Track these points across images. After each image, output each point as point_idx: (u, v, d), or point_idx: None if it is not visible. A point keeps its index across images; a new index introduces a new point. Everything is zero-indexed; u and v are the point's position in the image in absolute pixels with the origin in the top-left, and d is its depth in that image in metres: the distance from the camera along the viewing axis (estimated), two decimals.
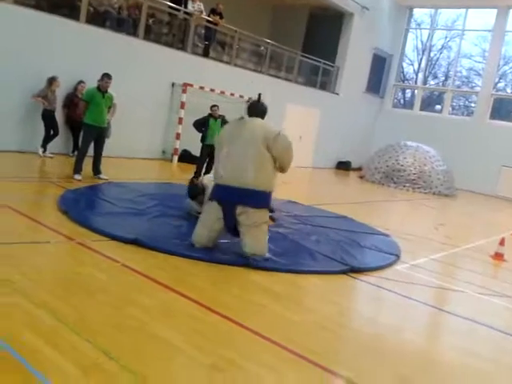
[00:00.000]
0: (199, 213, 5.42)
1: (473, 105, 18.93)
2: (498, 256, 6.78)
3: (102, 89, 7.57)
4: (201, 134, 9.47)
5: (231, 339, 3.17)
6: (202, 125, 9.46)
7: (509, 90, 18.77)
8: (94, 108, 7.48)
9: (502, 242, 6.85)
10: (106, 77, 7.57)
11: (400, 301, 4.60)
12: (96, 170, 7.83)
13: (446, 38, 20.03)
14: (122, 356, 2.68)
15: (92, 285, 3.70)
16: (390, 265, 5.50)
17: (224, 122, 9.48)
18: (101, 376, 2.50)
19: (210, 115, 9.39)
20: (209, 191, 5.31)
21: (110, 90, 7.72)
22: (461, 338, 3.88)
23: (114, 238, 4.79)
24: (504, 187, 16.61)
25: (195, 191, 6.01)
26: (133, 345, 2.87)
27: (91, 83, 8.39)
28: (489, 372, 3.30)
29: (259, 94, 6.23)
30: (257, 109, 5.26)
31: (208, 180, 5.97)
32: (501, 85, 19.13)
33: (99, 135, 7.69)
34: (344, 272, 4.94)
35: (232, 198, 4.72)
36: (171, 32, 12.62)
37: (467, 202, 14.09)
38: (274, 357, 3.01)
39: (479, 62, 19.20)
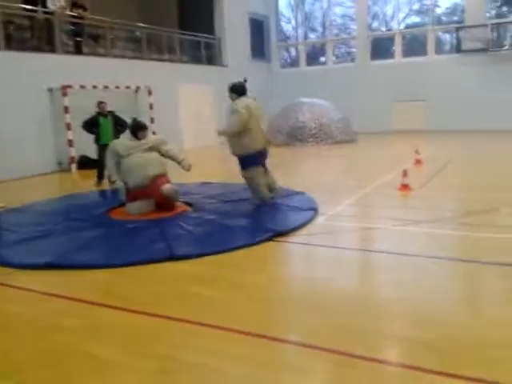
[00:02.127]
0: (113, 181, 6.31)
1: (354, 50, 19.68)
2: (404, 187, 7.19)
3: None
4: (93, 135, 9.01)
5: (169, 337, 3.08)
6: (91, 125, 8.99)
7: (383, 29, 19.69)
8: None
9: (405, 174, 7.26)
10: None
11: (327, 252, 4.74)
12: None
13: None
14: None
15: (8, 322, 3.42)
16: (310, 220, 5.63)
17: (114, 117, 9.09)
18: None
19: (99, 113, 8.94)
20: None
21: None
22: (392, 273, 4.05)
23: (24, 266, 4.45)
24: (397, 121, 17.64)
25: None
26: (67, 372, 2.69)
27: None
28: (424, 298, 3.48)
29: (245, 79, 6.85)
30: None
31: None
32: (375, 25, 20.01)
33: None
34: (269, 239, 4.98)
35: (264, 159, 6.53)
36: (35, 35, 11.73)
37: (368, 144, 14.78)
38: (217, 342, 2.96)
39: (351, 8, 19.88)
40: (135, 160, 6.12)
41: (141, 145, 6.26)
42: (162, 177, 6.22)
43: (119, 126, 9.09)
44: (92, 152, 9.55)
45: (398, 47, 18.34)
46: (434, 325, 3.06)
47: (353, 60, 19.54)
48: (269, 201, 6.45)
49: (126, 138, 6.57)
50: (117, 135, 9.03)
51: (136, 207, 6.16)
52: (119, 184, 6.26)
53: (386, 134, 16.94)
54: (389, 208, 6.44)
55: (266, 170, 6.57)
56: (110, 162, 6.33)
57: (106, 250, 4.88)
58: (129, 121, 8.27)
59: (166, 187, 6.04)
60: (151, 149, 6.30)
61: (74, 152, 11.11)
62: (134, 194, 6.17)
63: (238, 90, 6.50)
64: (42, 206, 7.00)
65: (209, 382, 2.56)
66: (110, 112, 9.06)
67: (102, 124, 8.93)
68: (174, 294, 3.79)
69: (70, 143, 11.04)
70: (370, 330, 3.03)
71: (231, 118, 6.26)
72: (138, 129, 6.35)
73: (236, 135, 6.24)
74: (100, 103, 9.01)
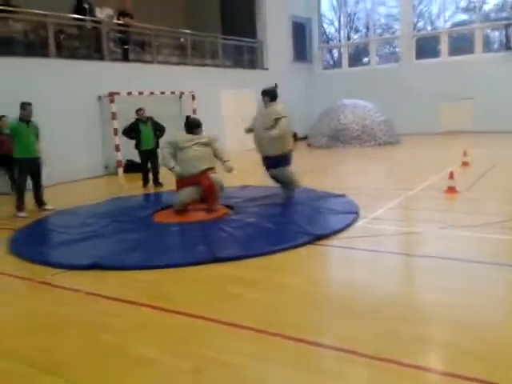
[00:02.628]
0: (171, 168, 6.54)
1: (398, 49, 19.33)
2: (450, 189, 7.01)
3: (25, 118, 7.26)
4: (134, 141, 9.31)
5: (208, 337, 3.14)
6: (131, 131, 9.30)
7: (429, 28, 19.24)
8: (21, 140, 7.19)
9: (451, 176, 7.08)
10: (27, 105, 7.26)
11: (368, 256, 4.69)
12: (40, 202, 7.55)
13: None
14: None
15: (59, 321, 3.58)
16: (351, 224, 5.59)
17: (154, 122, 9.38)
18: None
19: (138, 119, 9.23)
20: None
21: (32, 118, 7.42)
22: (434, 278, 3.98)
23: (72, 267, 4.65)
24: (443, 122, 17.16)
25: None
26: (113, 371, 2.80)
27: (14, 115, 8.00)
28: (465, 303, 3.41)
29: (276, 84, 7.48)
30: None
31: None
32: (420, 24, 19.59)
33: (33, 167, 7.39)
34: (309, 242, 4.98)
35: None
36: (84, 44, 12.18)
37: (412, 145, 14.47)
38: (254, 344, 3.00)
39: (395, 7, 19.54)
40: (192, 152, 6.55)
41: (197, 139, 6.68)
42: (211, 170, 6.68)
43: (158, 130, 9.41)
44: (137, 156, 9.83)
45: (444, 46, 17.84)
46: (476, 331, 2.98)
47: (397, 60, 19.17)
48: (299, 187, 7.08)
49: (183, 133, 6.96)
50: (157, 140, 9.32)
51: (186, 192, 6.54)
52: (177, 169, 6.61)
53: (432, 136, 16.51)
54: (433, 211, 6.29)
55: None
56: (166, 150, 6.70)
57: (150, 251, 5.01)
58: (165, 125, 9.18)
59: (215, 176, 6.61)
60: (205, 144, 6.70)
61: (120, 156, 11.45)
62: (185, 182, 6.57)
63: (270, 94, 6.89)
64: (90, 209, 7.26)
65: (246, 382, 2.60)
66: (149, 118, 9.32)
67: (143, 130, 9.22)
68: (214, 295, 3.86)
69: (117, 148, 11.40)
70: (410, 334, 2.99)
71: (283, 120, 6.66)
72: (194, 126, 6.82)
73: (277, 137, 6.59)
74: (139, 110, 9.30)
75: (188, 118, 7.17)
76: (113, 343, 3.13)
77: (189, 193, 6.55)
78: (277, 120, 6.63)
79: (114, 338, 3.20)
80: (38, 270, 4.68)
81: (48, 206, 7.53)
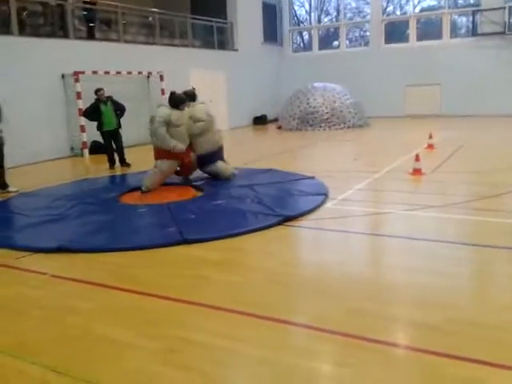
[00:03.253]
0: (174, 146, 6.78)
1: (368, 33, 19.40)
2: (416, 171, 7.14)
3: None
4: (96, 123, 9.11)
5: (179, 318, 3.13)
6: (93, 113, 9.09)
7: (398, 13, 19.35)
8: None
9: (417, 158, 7.21)
10: None
11: (337, 237, 4.75)
12: (2, 184, 7.32)
13: None
14: (71, 368, 2.57)
15: (24, 304, 3.49)
16: (320, 205, 5.63)
17: (113, 102, 9.16)
18: None
19: (98, 100, 9.00)
20: None
21: None
22: (401, 257, 4.07)
23: (37, 250, 4.53)
24: (410, 105, 17.43)
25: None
26: (81, 353, 2.76)
27: None
28: (432, 283, 3.48)
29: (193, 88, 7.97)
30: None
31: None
32: (390, 9, 19.68)
33: None
34: (279, 223, 5.00)
35: None
36: (48, 22, 11.75)
37: (380, 128, 14.65)
38: (225, 324, 3.01)
39: None
40: (184, 129, 6.91)
41: (184, 116, 6.95)
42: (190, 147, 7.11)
43: (118, 110, 9.20)
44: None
45: (412, 31, 18.03)
46: (442, 309, 3.06)
47: (366, 44, 19.28)
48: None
49: (166, 108, 7.06)
50: (118, 119, 9.18)
51: (168, 164, 6.91)
52: (180, 146, 6.83)
53: (400, 119, 16.76)
54: (400, 192, 6.41)
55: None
56: (163, 130, 6.81)
57: (117, 233, 4.94)
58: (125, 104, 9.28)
59: (192, 154, 7.12)
60: (191, 118, 6.99)
61: (85, 137, 11.18)
62: (166, 154, 6.86)
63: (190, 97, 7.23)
64: (55, 191, 7.08)
65: (217, 362, 2.60)
66: (108, 97, 9.10)
67: (104, 111, 9.02)
68: (184, 276, 3.84)
69: (82, 129, 11.10)
70: (379, 313, 3.04)
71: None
72: (180, 102, 6.99)
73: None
74: (98, 90, 9.05)
75: (173, 94, 7.14)
76: (80, 325, 3.08)
77: (171, 165, 6.92)
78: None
79: (82, 321, 3.15)
80: (2, 254, 4.55)
81: (11, 188, 7.31)
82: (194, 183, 7.06)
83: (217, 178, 7.17)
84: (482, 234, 4.56)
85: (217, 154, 7.22)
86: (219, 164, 7.19)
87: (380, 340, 2.72)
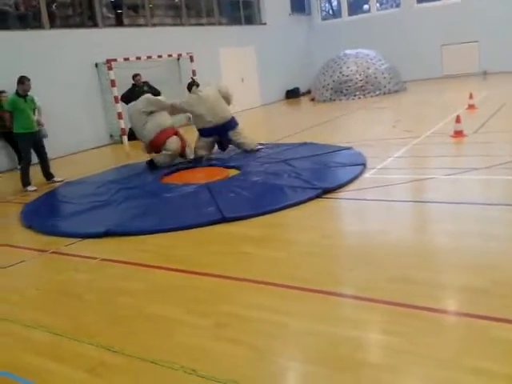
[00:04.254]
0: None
1: None
2: (458, 133, 6.92)
3: (22, 93, 7.19)
4: None
5: (227, 295, 3.20)
6: (129, 97, 9.42)
7: None
8: (20, 115, 7.12)
9: (458, 120, 6.98)
10: (25, 79, 7.18)
11: (378, 206, 4.70)
12: (48, 175, 7.59)
13: None
14: (125, 347, 2.69)
15: (78, 288, 3.66)
16: (359, 175, 5.57)
17: (149, 86, 9.42)
18: (110, 372, 2.50)
19: (134, 85, 9.30)
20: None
21: (30, 93, 7.37)
22: (447, 223, 3.98)
23: (85, 236, 4.71)
24: (448, 65, 16.78)
25: None
26: (134, 333, 2.87)
27: (12, 90, 7.93)
28: (480, 246, 3.41)
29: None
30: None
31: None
32: None
33: (35, 140, 7.39)
34: (318, 196, 4.98)
35: None
36: (77, 12, 11.90)
37: (417, 92, 14.22)
38: (273, 298, 3.05)
39: None
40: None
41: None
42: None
43: (154, 94, 9.35)
44: None
45: None
46: (490, 272, 3.00)
47: (398, 5, 18.58)
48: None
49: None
50: None
51: (174, 142, 7.41)
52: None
53: (438, 80, 16.19)
54: (441, 157, 6.24)
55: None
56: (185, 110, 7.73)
57: (160, 215, 5.06)
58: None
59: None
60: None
61: (123, 124, 11.38)
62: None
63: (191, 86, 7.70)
64: (98, 178, 7.29)
65: (266, 334, 2.66)
66: (145, 83, 9.39)
67: (140, 96, 9.12)
68: (228, 254, 3.91)
69: (120, 116, 11.30)
70: (425, 280, 3.02)
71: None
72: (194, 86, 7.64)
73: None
74: (135, 76, 9.37)
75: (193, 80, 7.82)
76: (132, 306, 3.20)
77: (177, 141, 7.50)
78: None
79: (133, 301, 3.27)
80: (53, 241, 4.75)
81: (57, 178, 7.58)
82: (227, 164, 7.11)
83: (240, 148, 7.68)
84: None
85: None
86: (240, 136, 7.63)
87: (427, 307, 2.70)
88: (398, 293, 2.89)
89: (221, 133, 7.52)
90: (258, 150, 7.58)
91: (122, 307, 3.21)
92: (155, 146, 7.43)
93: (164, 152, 7.36)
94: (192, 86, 7.66)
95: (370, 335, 2.58)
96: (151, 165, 7.40)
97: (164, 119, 7.49)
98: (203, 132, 7.54)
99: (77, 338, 2.87)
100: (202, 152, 7.55)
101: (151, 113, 7.39)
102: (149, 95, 7.54)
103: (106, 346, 2.72)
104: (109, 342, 2.75)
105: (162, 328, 2.87)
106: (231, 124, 7.56)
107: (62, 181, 7.50)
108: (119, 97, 10.95)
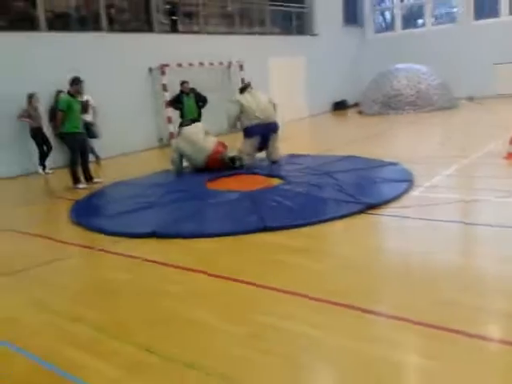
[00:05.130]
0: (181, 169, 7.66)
1: (454, 10, 18.29)
2: (511, 155, 6.68)
3: (75, 94, 7.45)
4: (179, 112, 9.91)
5: (261, 303, 3.21)
6: (175, 102, 9.89)
7: None
8: (72, 115, 7.35)
9: (511, 141, 6.74)
10: (79, 81, 7.44)
11: (424, 225, 4.58)
12: (88, 176, 7.75)
13: None
14: (163, 348, 2.74)
15: (120, 287, 3.76)
16: (405, 192, 5.47)
17: (196, 94, 9.73)
18: (146, 371, 2.56)
19: (181, 92, 9.69)
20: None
21: (85, 94, 7.70)
22: (494, 247, 3.86)
23: (132, 236, 4.84)
24: (500, 85, 16.19)
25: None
26: (171, 334, 2.93)
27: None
28: None
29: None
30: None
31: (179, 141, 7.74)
32: None
33: (83, 141, 7.67)
34: (361, 211, 4.92)
35: None
36: (134, 17, 12.30)
37: (469, 110, 13.84)
38: (309, 311, 3.04)
39: None
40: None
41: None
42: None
43: (201, 101, 9.86)
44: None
45: (504, 4, 16.71)
46: None
47: (453, 21, 18.17)
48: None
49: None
50: (199, 110, 9.92)
51: (248, 143, 7.77)
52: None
53: (490, 99, 15.69)
54: (492, 178, 6.04)
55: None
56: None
57: (204, 220, 5.15)
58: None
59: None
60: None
61: (172, 128, 11.63)
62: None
63: (245, 88, 8.03)
64: (146, 180, 7.48)
65: (301, 348, 2.65)
66: (191, 89, 9.73)
67: (186, 102, 9.78)
68: (267, 263, 3.92)
69: (169, 120, 11.58)
70: (468, 304, 2.93)
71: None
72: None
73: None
74: (183, 83, 9.85)
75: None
76: (171, 308, 3.27)
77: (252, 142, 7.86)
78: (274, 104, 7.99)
79: (172, 303, 3.34)
80: (99, 239, 4.91)
81: (97, 179, 7.78)
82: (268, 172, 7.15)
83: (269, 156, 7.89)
84: None
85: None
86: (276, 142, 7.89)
87: (469, 332, 2.62)
88: (438, 315, 2.82)
89: (264, 132, 7.69)
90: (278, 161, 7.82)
91: (160, 309, 3.28)
92: (215, 158, 7.57)
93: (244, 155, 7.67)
94: (247, 87, 7.98)
95: (408, 358, 2.53)
96: (234, 163, 7.60)
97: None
98: (248, 131, 7.73)
99: (117, 335, 2.95)
100: (247, 155, 7.69)
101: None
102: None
103: (145, 345, 2.79)
104: (147, 342, 2.82)
105: (198, 332, 2.91)
106: (275, 126, 7.84)
107: (101, 182, 7.67)
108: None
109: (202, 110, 10.11)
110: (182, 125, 8.32)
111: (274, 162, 7.77)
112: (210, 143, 7.67)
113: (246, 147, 7.74)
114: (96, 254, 4.58)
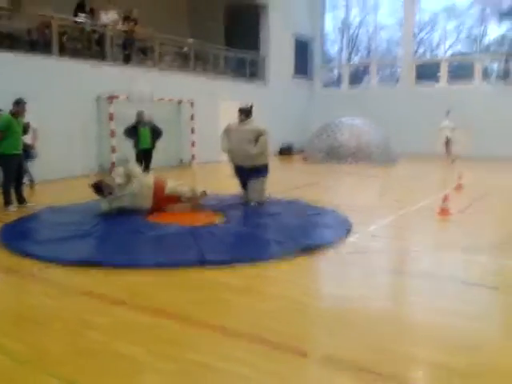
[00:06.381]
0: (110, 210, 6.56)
1: (398, 71, 19.55)
2: (444, 211, 7.03)
3: (18, 115, 7.22)
4: (133, 141, 9.83)
5: (196, 341, 3.10)
6: (131, 131, 9.78)
7: (428, 56, 19.53)
8: (12, 136, 7.08)
9: (445, 198, 7.10)
10: (23, 102, 7.23)
11: (360, 271, 4.66)
12: (21, 198, 7.43)
13: (362, 13, 20.52)
14: (87, 381, 2.57)
15: (45, 315, 3.53)
16: (343, 238, 5.58)
17: (153, 125, 9.82)
18: None
19: (138, 122, 9.73)
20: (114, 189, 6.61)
21: (28, 115, 7.47)
22: (427, 297, 3.95)
23: (60, 262, 4.59)
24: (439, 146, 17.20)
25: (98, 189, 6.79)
26: (98, 368, 2.76)
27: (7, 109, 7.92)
28: (457, 325, 3.38)
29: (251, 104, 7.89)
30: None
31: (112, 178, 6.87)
32: (421, 50, 19.87)
33: (19, 163, 7.38)
34: (302, 252, 4.95)
35: None
36: (86, 46, 12.17)
37: (408, 166, 14.54)
38: (244, 350, 2.97)
39: (397, 32, 19.79)
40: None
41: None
42: None
43: (155, 133, 10.03)
44: (132, 158, 9.82)
45: (443, 73, 18.09)
46: (465, 352, 2.96)
47: (396, 83, 19.37)
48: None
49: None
50: (154, 141, 10.01)
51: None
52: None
53: (429, 157, 16.57)
54: (425, 231, 6.31)
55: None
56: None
57: (140, 251, 4.98)
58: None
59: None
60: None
61: (114, 157, 11.40)
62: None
63: (246, 112, 7.47)
64: (82, 208, 7.19)
65: None
66: (149, 122, 9.85)
67: (142, 132, 9.79)
68: (204, 299, 3.82)
69: (113, 149, 11.37)
70: (400, 353, 2.96)
71: (264, 137, 7.35)
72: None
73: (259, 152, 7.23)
74: (141, 113, 9.74)
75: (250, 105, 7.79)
76: (98, 340, 3.08)
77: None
78: (259, 137, 7.21)
79: (99, 336, 3.15)
80: (27, 264, 4.63)
81: (29, 203, 7.47)
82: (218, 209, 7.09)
83: (253, 194, 7.32)
84: (508, 277, 4.43)
85: (268, 170, 7.60)
86: (264, 181, 7.46)
87: (399, 379, 2.63)
88: (370, 360, 2.83)
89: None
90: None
91: (87, 340, 3.09)
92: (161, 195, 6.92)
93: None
94: (251, 110, 7.53)
95: None
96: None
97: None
98: (268, 167, 7.56)
99: (39, 367, 2.74)
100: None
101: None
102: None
103: (69, 379, 2.60)
104: (73, 376, 2.63)
105: (125, 368, 2.76)
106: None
107: (34, 205, 7.35)
108: (116, 131, 11.09)
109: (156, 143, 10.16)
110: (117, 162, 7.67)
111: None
112: (148, 178, 7.07)
113: (264, 185, 7.40)
114: (22, 278, 4.29)
